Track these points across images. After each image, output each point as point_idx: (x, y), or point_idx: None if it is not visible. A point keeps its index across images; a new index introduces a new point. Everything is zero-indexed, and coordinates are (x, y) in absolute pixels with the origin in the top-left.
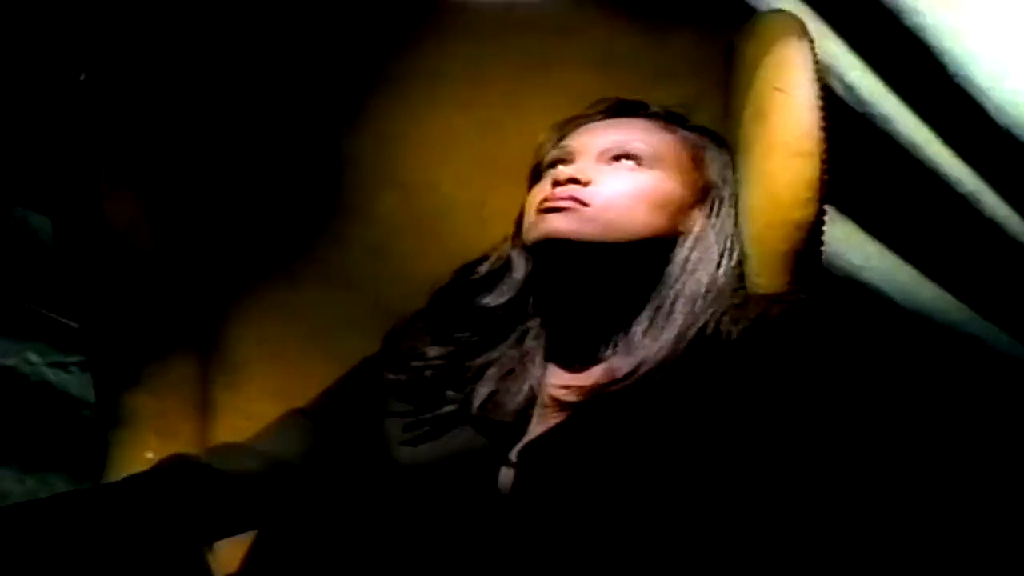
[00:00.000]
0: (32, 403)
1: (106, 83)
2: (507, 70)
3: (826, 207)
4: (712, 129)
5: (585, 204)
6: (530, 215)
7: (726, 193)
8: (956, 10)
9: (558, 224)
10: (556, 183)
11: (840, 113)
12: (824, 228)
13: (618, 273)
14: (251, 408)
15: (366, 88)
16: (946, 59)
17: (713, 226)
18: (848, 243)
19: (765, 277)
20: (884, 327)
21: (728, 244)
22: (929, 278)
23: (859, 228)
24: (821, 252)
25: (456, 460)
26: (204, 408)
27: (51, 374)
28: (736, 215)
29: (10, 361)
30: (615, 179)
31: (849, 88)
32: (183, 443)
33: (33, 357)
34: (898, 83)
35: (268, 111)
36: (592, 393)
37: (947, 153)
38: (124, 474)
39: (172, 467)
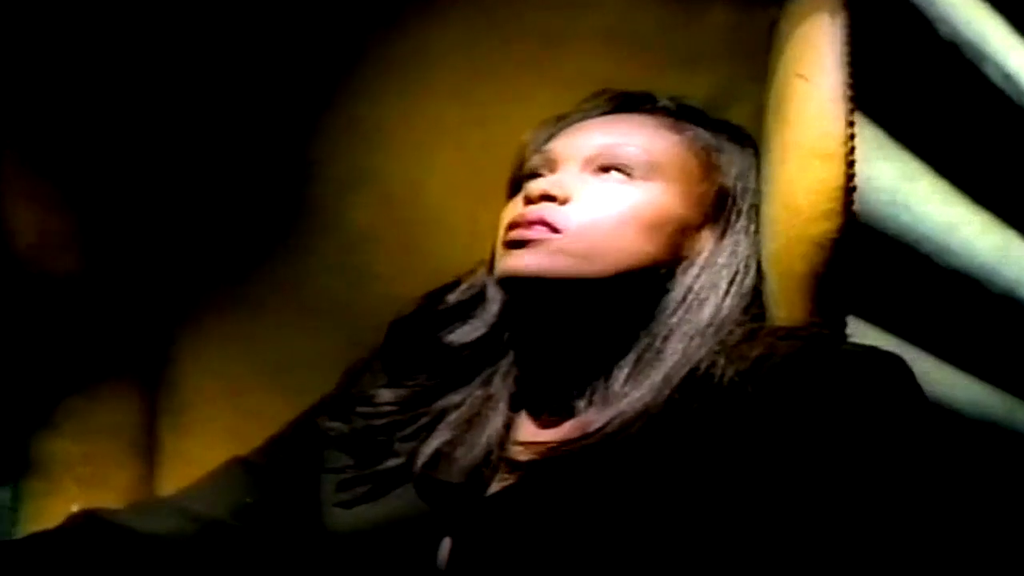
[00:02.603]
0: None
1: (10, 61)
2: (508, 53)
3: (978, 215)
4: (739, 125)
5: (558, 230)
6: (498, 240)
7: (744, 205)
8: None
9: (524, 261)
10: (528, 200)
11: (996, 106)
12: (853, 248)
13: (602, 311)
14: (201, 454)
15: (340, 73)
16: None
17: (725, 248)
18: (1006, 255)
19: (784, 306)
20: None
21: (742, 267)
22: None
23: (1019, 236)
24: (853, 277)
25: (391, 528)
26: (147, 453)
27: None
28: (758, 231)
29: None
30: (599, 196)
31: (1007, 77)
32: (116, 494)
33: None
34: None
35: (223, 99)
36: (550, 452)
37: None
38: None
39: (78, 526)
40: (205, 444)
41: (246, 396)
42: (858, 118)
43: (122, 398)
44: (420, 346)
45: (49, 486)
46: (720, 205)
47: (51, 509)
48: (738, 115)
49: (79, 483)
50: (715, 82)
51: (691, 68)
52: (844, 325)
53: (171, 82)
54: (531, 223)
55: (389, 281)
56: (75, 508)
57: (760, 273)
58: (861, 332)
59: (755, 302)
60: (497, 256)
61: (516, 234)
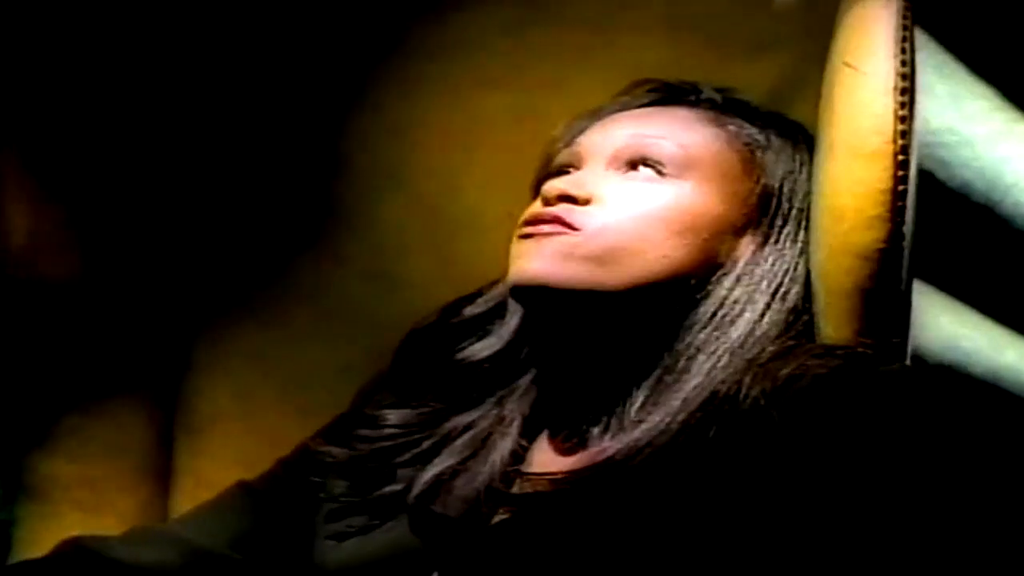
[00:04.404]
0: None
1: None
2: (556, 41)
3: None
4: (794, 120)
5: (575, 228)
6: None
7: (792, 208)
8: None
9: (536, 266)
10: (545, 201)
11: None
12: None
13: (622, 326)
14: (219, 478)
15: (371, 63)
16: None
17: (767, 256)
18: None
19: (832, 323)
20: (984, 415)
21: (785, 278)
22: None
23: None
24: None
25: (380, 565)
26: (156, 475)
27: None
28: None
29: None
30: (623, 195)
31: None
32: (120, 519)
33: None
34: None
35: (245, 90)
36: (551, 486)
37: None
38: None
39: (63, 556)
40: (224, 466)
41: (267, 414)
42: (1013, 112)
43: (127, 416)
44: (432, 363)
45: (46, 510)
46: (763, 208)
47: (49, 535)
48: (806, 105)
49: (79, 507)
50: (782, 71)
51: (756, 56)
52: (902, 345)
53: (190, 71)
54: (546, 223)
55: (421, 289)
56: (76, 534)
57: (809, 285)
58: (1005, 342)
59: (799, 318)
60: (510, 259)
61: (528, 230)
